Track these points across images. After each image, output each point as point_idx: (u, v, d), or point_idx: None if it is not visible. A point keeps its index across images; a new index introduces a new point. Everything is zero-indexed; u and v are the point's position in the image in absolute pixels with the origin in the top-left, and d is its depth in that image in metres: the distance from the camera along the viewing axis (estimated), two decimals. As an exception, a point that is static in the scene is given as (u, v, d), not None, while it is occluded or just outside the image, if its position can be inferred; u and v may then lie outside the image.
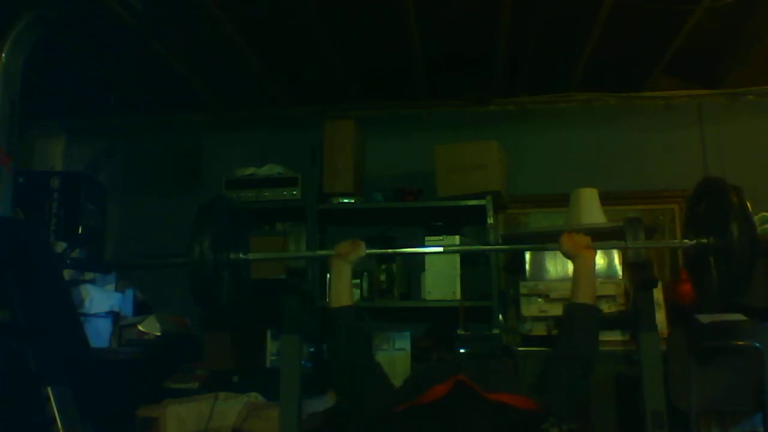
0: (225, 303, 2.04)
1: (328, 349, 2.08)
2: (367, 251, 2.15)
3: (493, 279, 3.44)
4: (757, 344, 2.58)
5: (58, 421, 2.13)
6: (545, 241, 3.18)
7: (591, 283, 2.02)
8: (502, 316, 3.38)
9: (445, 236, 3.49)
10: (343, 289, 2.09)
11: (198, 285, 1.94)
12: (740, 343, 2.62)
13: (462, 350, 3.19)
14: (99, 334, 3.31)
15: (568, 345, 1.94)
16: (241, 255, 2.12)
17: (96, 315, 3.34)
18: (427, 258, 3.47)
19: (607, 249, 2.41)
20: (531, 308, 3.11)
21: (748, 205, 1.87)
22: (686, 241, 2.06)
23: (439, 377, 1.77)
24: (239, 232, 2.18)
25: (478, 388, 1.70)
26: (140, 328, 3.32)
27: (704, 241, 1.96)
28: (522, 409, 1.74)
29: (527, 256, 3.25)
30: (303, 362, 2.30)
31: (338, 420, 2.85)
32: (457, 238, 3.47)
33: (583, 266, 2.03)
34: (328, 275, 3.53)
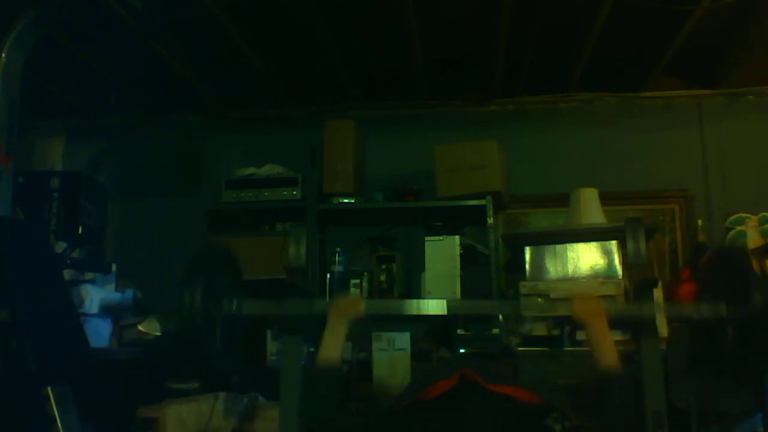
0: (218, 356, 1.96)
1: (306, 406, 2.00)
2: (367, 311, 2.04)
3: (493, 279, 3.44)
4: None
5: (58, 421, 2.13)
6: (546, 241, 3.20)
7: (610, 344, 1.93)
8: (502, 316, 3.38)
9: (445, 236, 3.48)
10: (334, 349, 1.99)
11: (188, 343, 1.88)
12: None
13: (462, 350, 3.19)
14: (99, 334, 3.31)
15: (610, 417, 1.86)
16: (234, 307, 2.02)
17: (96, 315, 3.34)
18: (427, 258, 3.47)
19: (621, 317, 2.23)
20: (531, 308, 3.10)
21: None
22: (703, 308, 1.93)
23: (444, 374, 1.79)
24: (234, 280, 2.10)
25: (482, 381, 1.72)
26: (140, 328, 3.32)
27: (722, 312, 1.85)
28: (525, 402, 1.75)
29: (527, 256, 3.25)
30: (303, 362, 2.29)
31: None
32: (457, 238, 3.47)
33: (596, 333, 1.95)
34: (330, 272, 3.60)
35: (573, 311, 1.99)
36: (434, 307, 2.55)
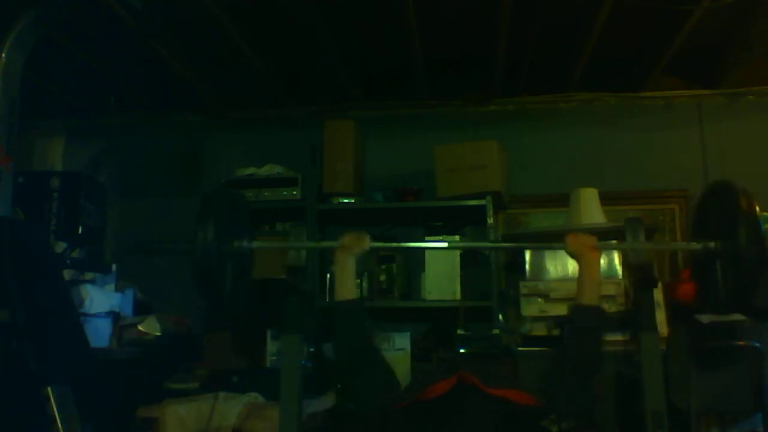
0: (227, 294, 2.04)
1: (333, 343, 2.08)
2: (372, 244, 2.14)
3: (493, 279, 3.44)
4: (757, 344, 2.58)
5: (58, 421, 2.13)
6: (546, 240, 3.20)
7: (596, 283, 2.02)
8: (502, 316, 3.38)
9: (445, 236, 3.49)
10: (347, 282, 2.09)
11: (201, 274, 1.94)
12: (740, 343, 2.62)
13: (462, 350, 3.19)
14: (99, 334, 3.31)
15: (572, 347, 1.94)
16: (245, 243, 2.12)
17: (96, 315, 3.34)
18: (427, 258, 3.47)
19: (612, 249, 2.35)
20: (531, 308, 3.11)
21: (758, 209, 1.84)
22: (693, 244, 2.02)
23: (442, 375, 1.79)
24: (243, 222, 2.18)
25: (480, 383, 1.72)
26: (140, 328, 3.32)
27: (712, 245, 1.93)
28: (522, 404, 1.76)
29: (527, 256, 3.25)
30: (303, 362, 2.29)
31: (339, 420, 2.85)
32: (457, 238, 3.48)
33: (589, 267, 2.02)
34: (330, 272, 3.60)
35: (567, 244, 2.05)
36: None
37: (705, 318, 3.00)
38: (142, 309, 3.61)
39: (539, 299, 3.10)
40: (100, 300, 3.39)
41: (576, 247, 2.05)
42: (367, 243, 2.12)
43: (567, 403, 1.84)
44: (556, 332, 3.05)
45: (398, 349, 3.38)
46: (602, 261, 3.08)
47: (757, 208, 1.84)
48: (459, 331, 3.17)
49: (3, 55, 2.49)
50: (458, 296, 3.38)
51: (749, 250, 1.78)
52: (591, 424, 1.89)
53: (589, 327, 1.94)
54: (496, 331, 3.19)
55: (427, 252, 3.48)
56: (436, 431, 1.68)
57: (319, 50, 3.38)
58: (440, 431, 1.68)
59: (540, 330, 3.11)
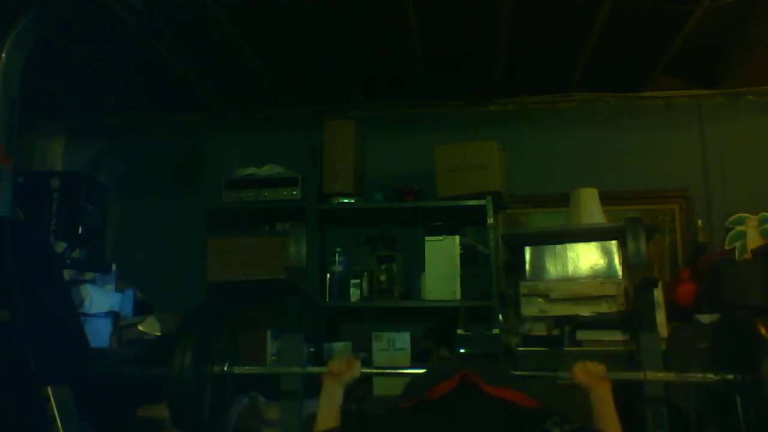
0: (206, 422, 1.93)
1: None
2: (362, 370, 2.04)
3: (493, 279, 3.44)
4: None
5: (58, 421, 2.13)
6: (546, 241, 3.20)
7: (611, 413, 1.87)
8: (502, 316, 3.38)
9: (445, 236, 3.48)
10: (331, 412, 1.95)
11: (177, 404, 1.85)
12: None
13: (462, 350, 3.19)
14: (99, 334, 3.31)
15: None
16: (225, 368, 2.01)
17: (96, 315, 3.34)
18: (427, 258, 3.47)
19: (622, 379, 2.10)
20: (531, 308, 3.11)
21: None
22: (710, 375, 1.89)
23: (445, 375, 1.79)
24: (227, 338, 2.08)
25: (482, 382, 1.72)
26: (140, 328, 3.32)
27: (730, 377, 1.82)
28: (524, 406, 1.75)
29: (527, 256, 3.25)
30: (303, 362, 2.29)
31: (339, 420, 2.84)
32: (457, 238, 3.47)
33: (601, 403, 1.89)
34: (329, 272, 3.61)
35: (574, 375, 1.95)
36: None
37: (705, 318, 3.01)
38: (142, 309, 3.61)
39: (539, 299, 3.09)
40: (100, 300, 3.39)
41: (583, 379, 1.94)
42: (358, 370, 2.02)
43: None
44: (556, 332, 3.05)
45: (398, 349, 3.38)
46: (602, 261, 3.10)
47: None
48: (459, 331, 3.17)
49: (3, 55, 2.49)
50: (458, 296, 3.38)
51: None
52: (592, 425, 1.86)
53: None
54: (496, 331, 3.18)
55: (427, 252, 3.48)
56: (439, 431, 1.68)
57: (319, 50, 3.38)
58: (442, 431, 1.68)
59: (540, 330, 3.11)
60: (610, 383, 1.93)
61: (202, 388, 1.91)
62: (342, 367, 2.02)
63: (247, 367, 2.10)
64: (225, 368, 2.01)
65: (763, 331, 1.71)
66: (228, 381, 2.06)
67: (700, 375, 1.91)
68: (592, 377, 1.93)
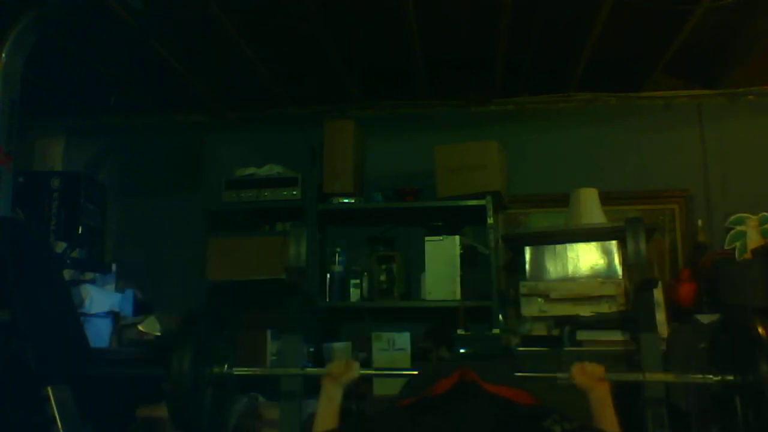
0: (205, 422, 1.92)
1: None
2: (361, 371, 2.04)
3: (493, 279, 3.44)
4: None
5: (58, 421, 2.13)
6: (546, 241, 3.20)
7: (610, 414, 1.87)
8: (502, 316, 3.38)
9: (445, 236, 3.48)
10: (330, 414, 1.96)
11: (176, 405, 1.84)
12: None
13: (462, 350, 3.19)
14: (99, 334, 3.31)
15: None
16: (225, 369, 2.00)
17: (96, 315, 3.34)
18: (427, 258, 3.47)
19: (621, 380, 2.09)
20: (531, 308, 3.11)
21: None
22: (710, 376, 1.87)
23: (444, 373, 1.79)
24: (226, 339, 2.07)
25: (480, 380, 1.72)
26: (140, 328, 3.32)
27: (730, 378, 1.81)
28: (523, 404, 1.76)
29: (527, 256, 3.25)
30: (303, 362, 2.29)
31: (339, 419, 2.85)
32: (457, 238, 3.47)
33: (600, 404, 1.89)
34: (329, 272, 3.60)
35: (573, 377, 1.95)
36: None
37: (705, 318, 3.01)
38: (142, 309, 3.61)
39: (539, 299, 3.10)
40: (100, 300, 3.39)
41: (582, 380, 1.94)
42: (356, 371, 2.02)
43: None
44: (556, 332, 3.05)
45: (398, 349, 3.38)
46: (602, 261, 3.10)
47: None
48: (459, 331, 3.17)
49: (3, 55, 2.49)
50: (458, 296, 3.38)
51: None
52: (592, 424, 1.86)
53: None
54: (496, 331, 3.18)
55: (426, 252, 3.48)
56: (437, 430, 1.68)
57: (319, 50, 3.38)
58: (441, 430, 1.68)
59: (540, 330, 3.11)
60: (608, 384, 1.93)
61: (202, 389, 1.91)
62: (341, 369, 2.02)
63: (246, 368, 2.09)
64: (224, 369, 2.01)
65: (762, 331, 1.70)
66: (228, 381, 2.05)
67: (700, 375, 1.90)
68: (591, 378, 1.93)
